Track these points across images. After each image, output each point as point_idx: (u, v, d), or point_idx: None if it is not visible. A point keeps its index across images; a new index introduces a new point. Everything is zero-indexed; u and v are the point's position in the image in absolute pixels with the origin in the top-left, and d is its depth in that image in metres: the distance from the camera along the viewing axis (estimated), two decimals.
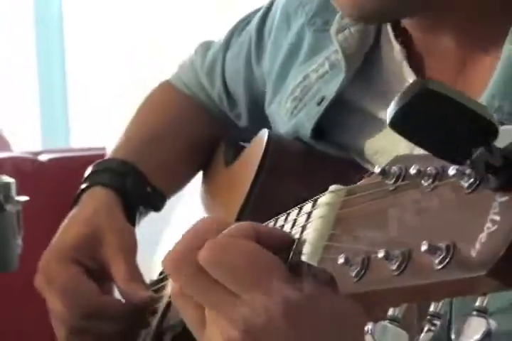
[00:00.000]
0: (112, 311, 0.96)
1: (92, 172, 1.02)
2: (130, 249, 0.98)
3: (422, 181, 0.53)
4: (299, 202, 0.73)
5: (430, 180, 0.53)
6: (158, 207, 1.05)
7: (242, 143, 1.02)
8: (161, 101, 1.14)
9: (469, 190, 0.49)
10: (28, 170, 1.51)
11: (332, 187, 0.62)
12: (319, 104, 0.91)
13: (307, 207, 0.64)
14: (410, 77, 0.86)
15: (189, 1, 2.77)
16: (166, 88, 1.15)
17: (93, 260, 0.98)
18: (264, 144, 0.94)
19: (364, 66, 0.90)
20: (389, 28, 0.88)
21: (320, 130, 0.92)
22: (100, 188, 1.00)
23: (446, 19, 0.83)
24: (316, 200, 0.63)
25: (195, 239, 0.61)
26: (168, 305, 0.98)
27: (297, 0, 0.97)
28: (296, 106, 0.94)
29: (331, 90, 0.90)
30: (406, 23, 0.86)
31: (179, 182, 1.09)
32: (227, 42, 1.07)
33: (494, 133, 0.48)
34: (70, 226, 1.00)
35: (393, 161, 0.57)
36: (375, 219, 0.57)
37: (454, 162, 0.50)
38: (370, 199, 0.58)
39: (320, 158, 0.95)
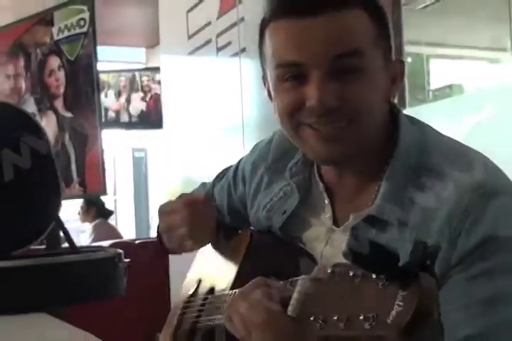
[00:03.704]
0: None
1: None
2: None
3: (355, 279, 0.73)
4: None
5: (359, 278, 0.74)
6: None
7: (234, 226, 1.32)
8: None
9: (381, 286, 0.72)
10: (130, 248, 2.35)
11: (302, 276, 0.83)
12: (283, 214, 1.20)
13: (291, 283, 0.87)
14: (326, 200, 1.14)
15: None
16: None
17: None
18: (248, 240, 1.21)
19: (305, 195, 1.18)
20: (316, 173, 1.17)
21: (283, 227, 1.21)
22: None
23: (350, 165, 1.09)
24: (295, 280, 0.86)
25: (243, 294, 0.93)
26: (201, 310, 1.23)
27: (261, 160, 1.31)
28: (269, 214, 1.24)
29: (288, 207, 1.19)
30: (324, 168, 1.14)
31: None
32: (213, 185, 1.46)
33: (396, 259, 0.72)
34: None
35: (335, 265, 0.77)
36: (332, 297, 0.76)
37: (378, 273, 0.71)
38: (329, 285, 0.78)
39: (279, 243, 1.20)
